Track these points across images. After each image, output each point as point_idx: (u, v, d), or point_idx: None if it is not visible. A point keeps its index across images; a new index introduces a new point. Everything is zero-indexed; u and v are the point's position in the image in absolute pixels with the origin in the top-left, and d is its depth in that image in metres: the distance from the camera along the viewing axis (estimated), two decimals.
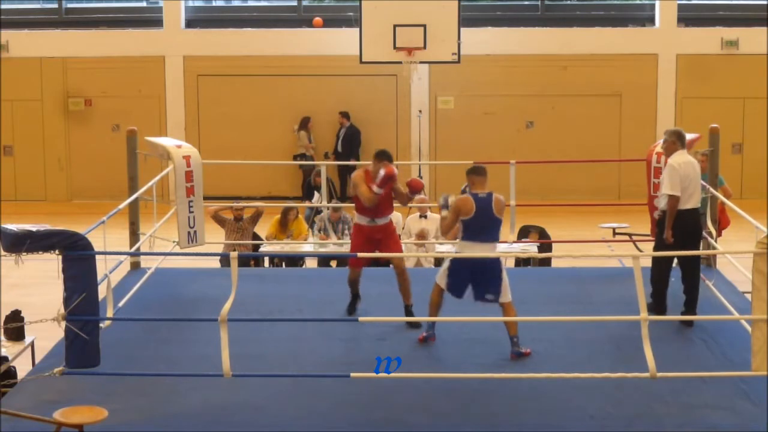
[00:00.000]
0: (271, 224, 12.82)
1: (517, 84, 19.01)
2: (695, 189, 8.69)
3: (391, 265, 12.17)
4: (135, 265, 10.74)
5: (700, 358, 7.96)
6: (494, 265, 7.93)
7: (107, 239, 8.96)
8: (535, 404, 7.13)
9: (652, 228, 10.38)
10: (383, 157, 8.67)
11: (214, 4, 21.23)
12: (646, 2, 19.75)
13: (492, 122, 19.09)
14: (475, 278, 7.97)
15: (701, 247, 9.44)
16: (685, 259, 8.76)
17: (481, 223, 7.92)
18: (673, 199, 8.54)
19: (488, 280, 7.93)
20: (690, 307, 8.77)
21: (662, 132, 9.37)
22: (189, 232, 10.12)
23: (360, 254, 8.64)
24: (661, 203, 8.75)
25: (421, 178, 17.95)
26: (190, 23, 19.73)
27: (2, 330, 8.68)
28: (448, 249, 12.02)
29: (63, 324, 7.07)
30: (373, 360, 7.85)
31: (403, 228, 12.36)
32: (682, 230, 8.58)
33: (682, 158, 8.69)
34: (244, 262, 11.68)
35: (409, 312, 8.74)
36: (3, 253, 6.99)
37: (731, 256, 9.52)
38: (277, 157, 18.69)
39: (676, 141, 8.75)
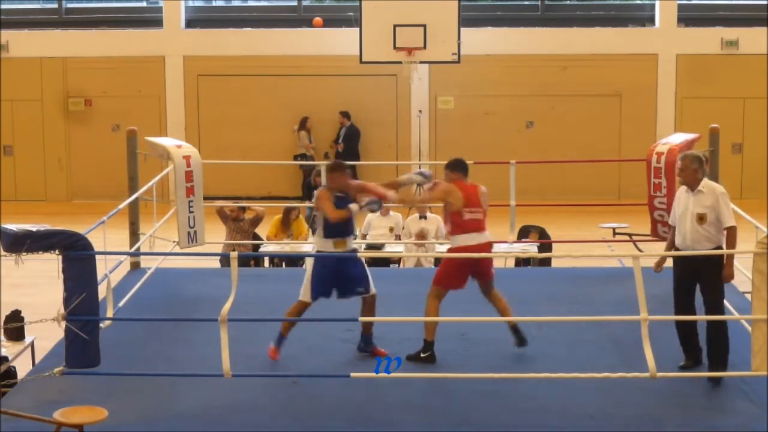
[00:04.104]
0: (272, 224, 12.80)
1: (517, 84, 19.01)
2: None
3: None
4: (135, 265, 10.75)
5: None
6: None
7: (107, 239, 8.96)
8: (535, 404, 7.13)
9: (652, 229, 10.36)
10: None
11: (214, 4, 21.22)
12: (646, 2, 19.74)
13: (492, 122, 19.09)
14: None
15: None
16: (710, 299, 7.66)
17: None
18: (735, 229, 7.57)
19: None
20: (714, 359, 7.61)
21: (662, 132, 9.32)
22: (189, 232, 10.13)
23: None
24: (704, 242, 7.57)
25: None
26: (190, 23, 19.72)
27: (2, 330, 8.67)
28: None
29: (63, 324, 7.07)
30: (373, 360, 7.87)
31: (402, 228, 12.37)
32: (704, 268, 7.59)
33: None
34: (244, 262, 11.67)
35: (514, 330, 8.15)
36: (3, 253, 6.99)
37: None
38: (277, 157, 18.68)
39: (699, 168, 7.67)
